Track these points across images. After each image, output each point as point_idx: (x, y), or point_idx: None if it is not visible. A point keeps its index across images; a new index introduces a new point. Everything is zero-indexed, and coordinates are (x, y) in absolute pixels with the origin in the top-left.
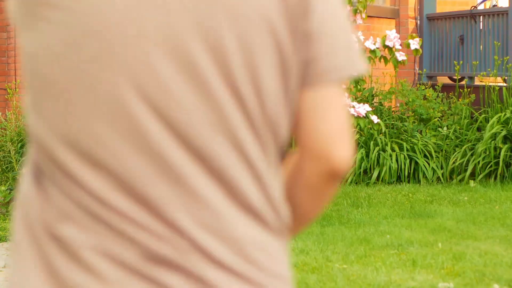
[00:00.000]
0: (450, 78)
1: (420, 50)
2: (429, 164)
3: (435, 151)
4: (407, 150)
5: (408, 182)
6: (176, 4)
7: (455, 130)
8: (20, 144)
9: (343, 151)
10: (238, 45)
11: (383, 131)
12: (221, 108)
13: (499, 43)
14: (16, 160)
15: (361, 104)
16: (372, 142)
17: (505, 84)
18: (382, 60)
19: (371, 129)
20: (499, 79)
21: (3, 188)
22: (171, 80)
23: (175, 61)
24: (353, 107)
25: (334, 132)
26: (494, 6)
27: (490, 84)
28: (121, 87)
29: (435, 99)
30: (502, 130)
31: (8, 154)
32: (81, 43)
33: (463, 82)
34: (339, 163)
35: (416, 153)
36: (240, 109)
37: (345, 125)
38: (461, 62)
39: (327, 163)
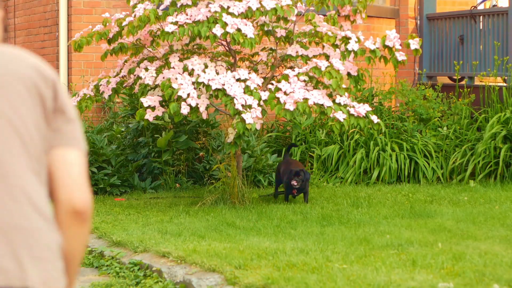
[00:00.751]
0: (450, 78)
1: (420, 50)
2: (429, 164)
3: (435, 151)
4: (407, 150)
5: (408, 182)
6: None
7: (455, 130)
8: None
9: (82, 195)
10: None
11: (383, 131)
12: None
13: (499, 43)
14: None
15: (361, 104)
16: (372, 142)
17: (505, 84)
18: (382, 60)
19: (371, 129)
20: (499, 79)
21: None
22: None
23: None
24: (353, 107)
25: (74, 181)
26: (494, 6)
27: (490, 84)
28: None
29: (435, 99)
30: (502, 130)
31: None
32: None
33: (463, 82)
34: (79, 204)
35: (416, 153)
36: (24, 148)
37: (82, 177)
38: (461, 62)
39: (69, 205)
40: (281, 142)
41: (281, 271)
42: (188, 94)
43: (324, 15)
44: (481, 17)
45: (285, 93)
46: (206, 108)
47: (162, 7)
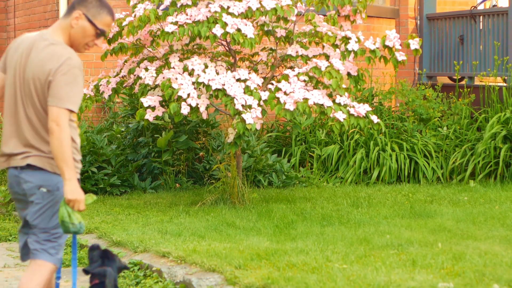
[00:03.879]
0: (450, 78)
1: (420, 50)
2: (429, 164)
3: (435, 151)
4: (407, 150)
5: (408, 182)
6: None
7: (455, 130)
8: None
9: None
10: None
11: (383, 131)
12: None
13: (499, 43)
14: None
15: (361, 104)
16: (372, 142)
17: (505, 84)
18: (382, 60)
19: (371, 129)
20: (499, 79)
21: (3, 188)
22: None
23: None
24: (353, 107)
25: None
26: (494, 6)
27: (490, 84)
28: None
29: (435, 99)
30: (502, 130)
31: None
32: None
33: (463, 82)
34: None
35: (416, 153)
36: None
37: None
38: (461, 62)
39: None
40: (281, 142)
41: (281, 271)
42: (188, 94)
43: (324, 15)
44: (481, 17)
45: (285, 93)
46: (206, 108)
47: (162, 7)
